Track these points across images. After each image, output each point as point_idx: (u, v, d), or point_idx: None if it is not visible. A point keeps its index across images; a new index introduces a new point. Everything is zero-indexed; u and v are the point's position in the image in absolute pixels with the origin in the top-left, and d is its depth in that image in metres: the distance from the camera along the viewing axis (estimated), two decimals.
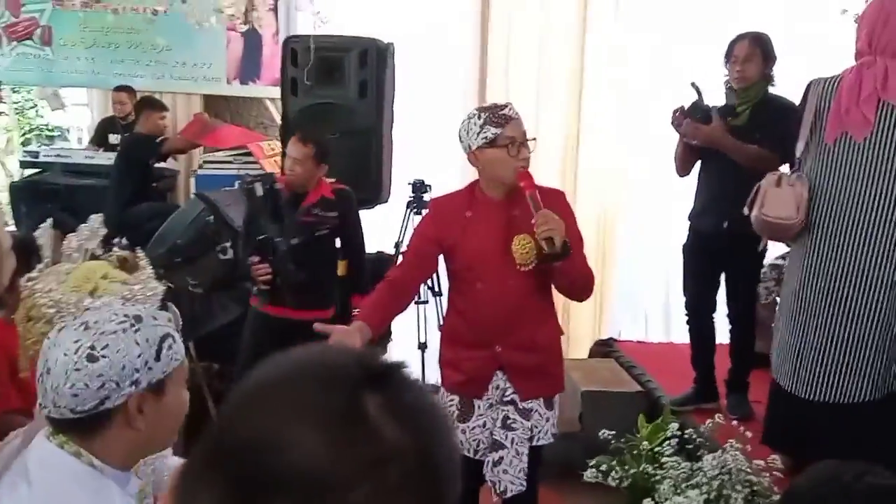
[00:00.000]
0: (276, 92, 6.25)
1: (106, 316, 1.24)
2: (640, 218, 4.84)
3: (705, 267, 3.30)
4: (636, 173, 4.81)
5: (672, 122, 3.22)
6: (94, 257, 1.58)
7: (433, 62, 4.39)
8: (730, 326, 3.35)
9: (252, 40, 6.24)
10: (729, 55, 3.17)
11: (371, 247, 3.82)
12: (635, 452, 2.55)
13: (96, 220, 1.66)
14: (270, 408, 0.58)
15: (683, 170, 3.36)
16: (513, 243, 2.17)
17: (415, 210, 4.12)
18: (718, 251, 3.22)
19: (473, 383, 2.28)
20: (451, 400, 2.31)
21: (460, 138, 2.22)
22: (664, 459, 2.40)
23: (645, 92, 4.71)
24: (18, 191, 5.48)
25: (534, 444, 2.28)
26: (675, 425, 2.61)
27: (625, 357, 4.04)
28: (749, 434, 2.41)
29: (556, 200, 2.21)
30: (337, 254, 3.47)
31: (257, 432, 0.57)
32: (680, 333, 4.52)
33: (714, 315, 3.42)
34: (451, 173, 4.71)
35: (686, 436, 2.60)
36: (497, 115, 2.17)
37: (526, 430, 2.24)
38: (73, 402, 1.20)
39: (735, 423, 2.69)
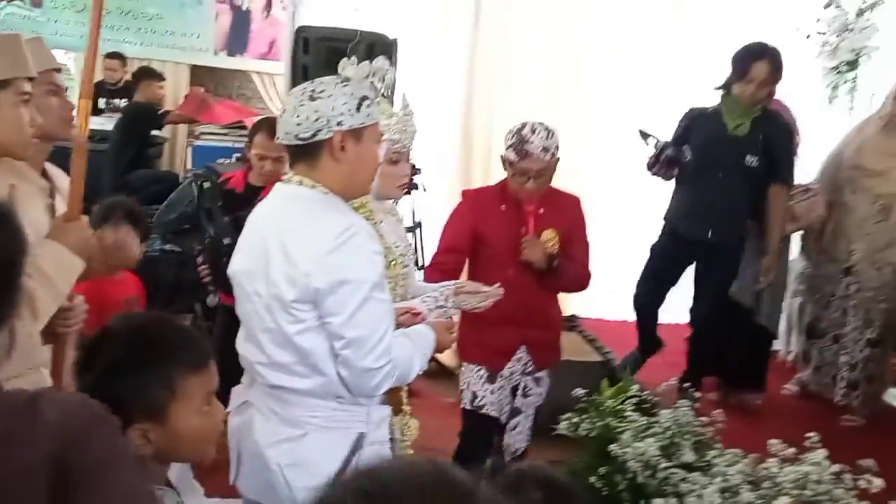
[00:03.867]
0: (262, 65, 6.55)
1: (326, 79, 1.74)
2: (603, 212, 5.29)
3: (672, 272, 3.40)
4: (603, 167, 5.24)
5: (653, 171, 3.26)
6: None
7: (428, 58, 4.74)
8: (690, 329, 3.52)
9: (241, 14, 6.47)
10: (744, 73, 3.04)
11: None
12: (601, 409, 2.99)
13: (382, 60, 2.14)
14: None
15: (667, 179, 3.42)
16: (541, 237, 2.57)
17: (406, 193, 4.53)
18: (694, 257, 3.32)
19: (499, 357, 2.65)
20: (478, 369, 2.68)
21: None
22: (626, 414, 2.86)
23: (622, 88, 5.12)
24: None
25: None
26: (635, 387, 3.07)
27: (586, 331, 4.50)
28: (699, 394, 2.88)
29: (569, 207, 2.62)
30: None
31: None
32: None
33: (659, 309, 3.61)
34: (445, 160, 5.13)
35: (643, 397, 3.06)
36: (520, 149, 2.50)
37: (538, 396, 2.68)
38: (297, 130, 1.66)
39: None
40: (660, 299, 3.52)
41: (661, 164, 3.18)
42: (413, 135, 2.19)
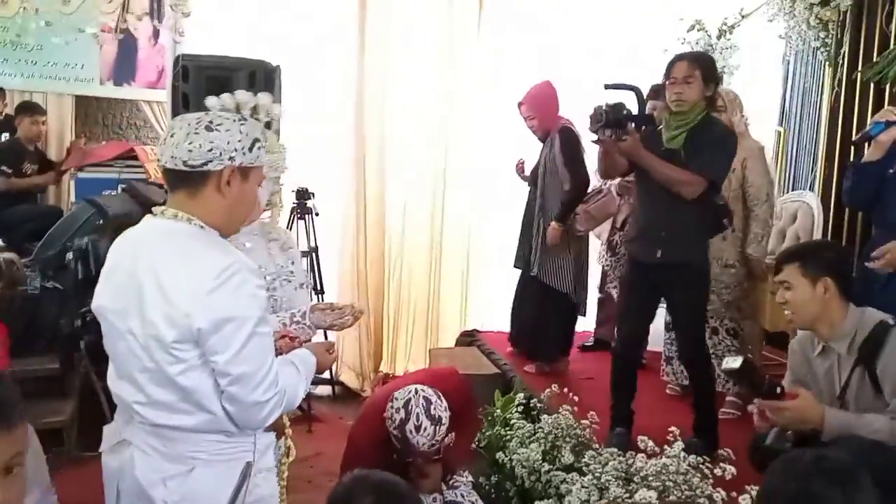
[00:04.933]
0: (151, 94, 6.43)
1: (224, 113, 1.76)
2: (495, 228, 5.48)
3: (644, 299, 3.07)
4: (499, 186, 5.42)
5: (590, 128, 2.99)
6: None
7: (313, 82, 4.82)
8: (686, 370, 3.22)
9: (127, 43, 6.34)
10: (667, 75, 2.96)
11: None
12: (490, 419, 3.11)
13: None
14: None
15: (606, 174, 3.25)
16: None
17: (298, 215, 4.65)
18: (658, 282, 3.01)
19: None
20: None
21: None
22: (513, 422, 2.98)
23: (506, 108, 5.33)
24: None
25: None
26: (521, 395, 3.21)
27: (485, 345, 4.63)
28: (576, 398, 3.03)
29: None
30: None
31: None
32: None
33: (643, 350, 3.38)
34: (332, 182, 5.20)
35: (530, 404, 3.19)
36: (403, 444, 2.42)
37: (468, 485, 2.57)
38: (188, 156, 1.66)
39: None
40: (643, 336, 3.25)
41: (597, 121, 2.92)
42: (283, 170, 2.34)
